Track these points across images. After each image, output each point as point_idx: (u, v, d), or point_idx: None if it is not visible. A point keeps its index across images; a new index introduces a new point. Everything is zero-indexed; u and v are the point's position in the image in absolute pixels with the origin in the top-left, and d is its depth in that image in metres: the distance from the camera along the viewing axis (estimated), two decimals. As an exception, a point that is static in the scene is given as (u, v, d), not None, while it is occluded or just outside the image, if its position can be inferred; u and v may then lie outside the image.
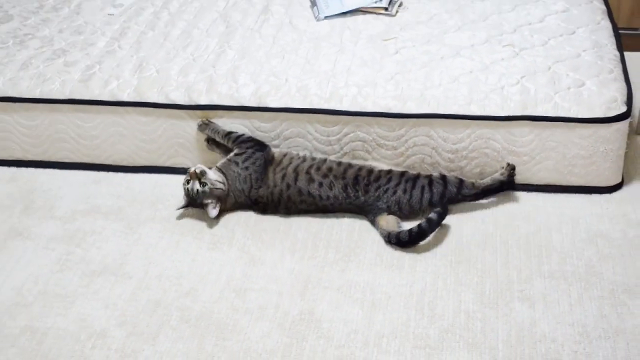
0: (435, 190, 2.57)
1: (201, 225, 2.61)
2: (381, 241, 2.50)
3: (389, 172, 2.61)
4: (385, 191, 2.57)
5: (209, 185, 2.56)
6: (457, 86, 2.71)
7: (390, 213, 2.57)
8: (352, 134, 2.70)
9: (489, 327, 2.20)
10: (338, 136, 2.71)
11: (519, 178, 2.68)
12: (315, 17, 3.20)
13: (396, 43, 2.98)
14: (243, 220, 2.62)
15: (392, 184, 2.57)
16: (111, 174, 2.86)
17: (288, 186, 2.59)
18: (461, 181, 2.59)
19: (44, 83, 2.84)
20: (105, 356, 2.17)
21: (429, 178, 2.59)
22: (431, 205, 2.55)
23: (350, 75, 2.79)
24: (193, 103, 2.74)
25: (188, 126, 2.77)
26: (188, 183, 2.58)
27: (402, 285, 2.34)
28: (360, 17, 3.18)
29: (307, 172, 2.60)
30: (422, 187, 2.57)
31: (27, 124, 2.85)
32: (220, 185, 2.58)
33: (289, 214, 2.62)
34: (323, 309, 2.28)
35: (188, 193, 2.58)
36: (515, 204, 2.64)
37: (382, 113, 2.65)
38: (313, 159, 2.66)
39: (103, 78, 2.84)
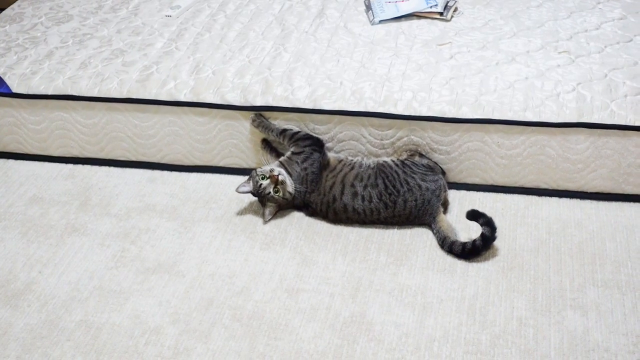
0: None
1: (254, 225, 2.63)
2: (433, 245, 2.50)
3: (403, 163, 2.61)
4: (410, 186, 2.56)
5: (280, 194, 2.58)
6: (512, 92, 2.70)
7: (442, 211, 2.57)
8: (405, 138, 2.70)
9: (541, 334, 2.19)
10: (392, 140, 2.72)
11: (574, 185, 2.67)
12: (370, 21, 3.21)
13: (451, 48, 2.98)
14: (296, 221, 2.63)
15: (417, 175, 2.57)
16: (166, 173, 2.90)
17: (334, 199, 2.58)
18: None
19: (102, 82, 2.89)
20: (159, 352, 2.20)
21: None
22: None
23: (405, 79, 2.80)
24: (248, 104, 2.76)
25: (243, 127, 2.79)
26: (263, 179, 2.58)
27: (454, 289, 2.34)
28: (415, 22, 3.19)
29: (352, 185, 2.58)
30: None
31: (85, 122, 2.91)
32: (288, 196, 2.60)
33: (336, 223, 2.63)
34: (374, 311, 2.29)
35: (258, 188, 2.59)
36: (568, 211, 2.62)
37: (436, 117, 2.65)
38: (360, 165, 2.64)
39: (160, 78, 2.88)
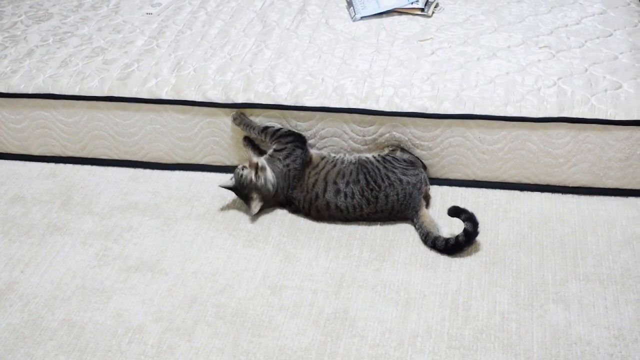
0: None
1: (237, 222, 2.63)
2: (415, 241, 2.51)
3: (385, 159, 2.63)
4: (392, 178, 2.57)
5: (262, 181, 2.58)
6: (493, 87, 2.71)
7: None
8: (387, 134, 2.71)
9: (524, 328, 2.20)
10: (374, 136, 2.72)
11: (556, 180, 2.68)
12: (352, 18, 3.21)
13: (432, 44, 2.98)
14: (279, 218, 2.63)
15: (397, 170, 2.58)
16: (148, 171, 2.89)
17: (317, 196, 2.59)
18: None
19: (83, 80, 2.88)
20: (142, 351, 2.20)
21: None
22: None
23: (386, 75, 2.80)
24: (230, 101, 2.76)
25: (224, 124, 2.79)
26: (243, 170, 2.59)
27: (437, 285, 2.35)
28: (396, 18, 3.19)
29: (335, 182, 2.58)
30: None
31: (66, 120, 2.89)
32: (270, 187, 2.60)
33: (319, 220, 2.63)
34: (357, 307, 2.29)
35: (240, 178, 2.59)
36: (550, 205, 2.63)
37: (418, 113, 2.66)
38: (342, 162, 2.64)
39: (141, 76, 2.87)
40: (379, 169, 2.58)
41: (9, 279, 2.44)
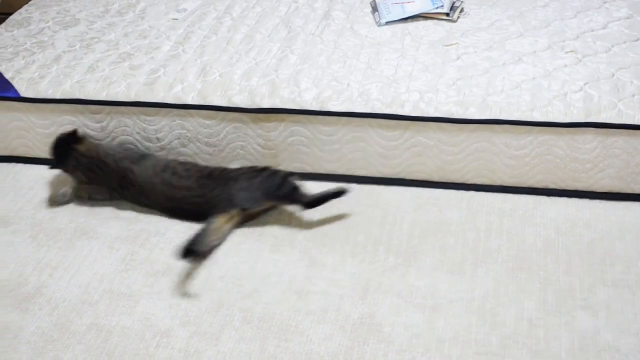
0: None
1: (263, 227, 2.64)
2: (442, 246, 2.50)
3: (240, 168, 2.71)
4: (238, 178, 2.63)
5: None
6: (519, 92, 2.70)
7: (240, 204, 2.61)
8: (413, 139, 2.71)
9: (552, 335, 2.19)
10: (399, 141, 2.72)
11: (583, 185, 2.67)
12: (377, 23, 3.21)
13: (458, 49, 2.98)
14: (304, 223, 2.64)
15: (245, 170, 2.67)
16: (174, 176, 2.91)
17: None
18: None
19: (110, 86, 2.90)
20: (169, 355, 2.21)
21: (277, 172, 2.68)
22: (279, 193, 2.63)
23: (411, 80, 2.80)
24: (256, 106, 2.77)
25: (251, 129, 2.80)
26: None
27: (463, 290, 2.34)
28: (421, 23, 3.19)
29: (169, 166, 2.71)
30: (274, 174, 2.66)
31: (93, 125, 2.91)
32: None
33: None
34: (384, 313, 2.29)
35: None
36: (577, 211, 2.62)
37: (444, 118, 2.66)
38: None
39: (168, 81, 2.89)
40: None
41: (37, 282, 2.46)
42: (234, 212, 2.60)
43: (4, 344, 2.25)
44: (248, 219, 2.65)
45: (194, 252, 2.47)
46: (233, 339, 2.24)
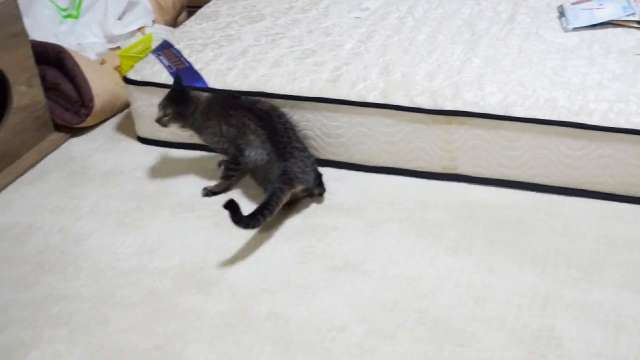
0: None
1: (440, 230, 2.62)
2: (629, 263, 2.41)
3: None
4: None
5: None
6: None
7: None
8: (600, 150, 2.62)
9: None
10: (585, 151, 2.64)
11: None
12: (563, 28, 3.14)
13: (651, 58, 2.87)
14: (482, 228, 2.61)
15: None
16: (352, 173, 2.94)
17: None
18: None
19: (294, 81, 2.95)
20: (345, 350, 2.23)
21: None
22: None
23: (600, 89, 2.72)
24: (438, 108, 2.76)
25: (432, 131, 2.79)
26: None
27: (650, 310, 2.26)
28: (610, 30, 3.09)
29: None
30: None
31: (275, 119, 2.98)
32: None
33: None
34: (564, 327, 2.23)
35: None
36: None
37: (635, 130, 2.56)
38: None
39: (350, 79, 2.92)
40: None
41: (219, 268, 2.55)
42: (299, 188, 2.68)
43: (187, 324, 2.34)
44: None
45: (258, 221, 2.54)
46: (408, 339, 2.24)
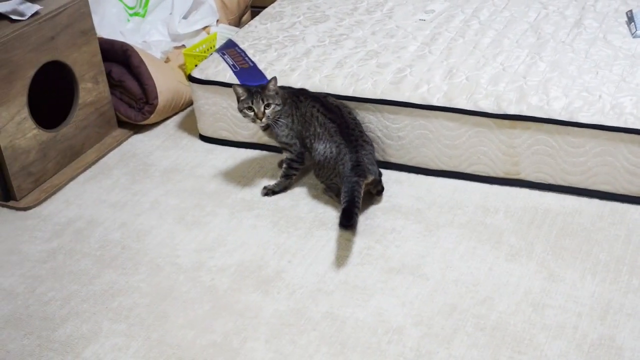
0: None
1: (499, 235, 2.60)
2: (692, 274, 2.36)
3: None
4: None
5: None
6: None
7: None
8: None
9: None
10: (651, 159, 2.60)
11: None
12: (632, 34, 3.08)
13: None
14: (543, 235, 2.58)
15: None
16: (413, 176, 2.93)
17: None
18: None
19: (357, 82, 2.95)
20: (401, 352, 2.22)
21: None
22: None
23: (670, 96, 2.66)
24: (502, 112, 2.73)
25: (494, 135, 2.76)
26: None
27: None
28: (681, 36, 3.03)
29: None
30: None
31: (337, 119, 2.99)
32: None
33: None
34: (625, 336, 2.19)
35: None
36: None
37: None
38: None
39: (414, 81, 2.91)
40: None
41: (277, 266, 2.56)
42: (370, 179, 2.69)
43: (245, 322, 2.36)
44: None
45: (357, 220, 2.59)
46: (465, 344, 2.23)
